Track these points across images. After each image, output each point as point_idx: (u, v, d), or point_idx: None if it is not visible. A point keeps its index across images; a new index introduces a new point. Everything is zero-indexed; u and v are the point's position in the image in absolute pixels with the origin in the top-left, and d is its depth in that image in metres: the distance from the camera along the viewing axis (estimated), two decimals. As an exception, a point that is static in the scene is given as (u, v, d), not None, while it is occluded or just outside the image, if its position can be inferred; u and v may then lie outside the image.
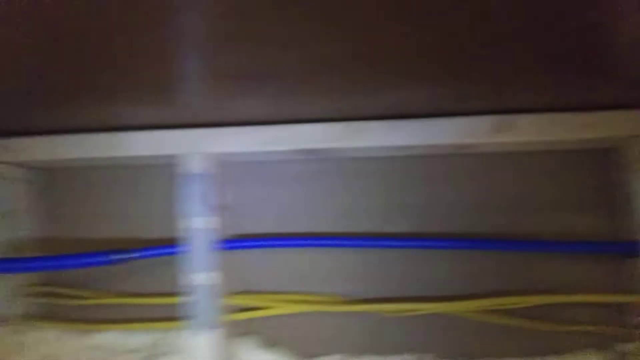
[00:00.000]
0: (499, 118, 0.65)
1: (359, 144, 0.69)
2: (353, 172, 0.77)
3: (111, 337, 0.82)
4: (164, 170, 0.79)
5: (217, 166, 0.76)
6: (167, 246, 0.76)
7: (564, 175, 0.71)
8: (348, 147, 0.70)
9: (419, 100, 0.63)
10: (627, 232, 0.66)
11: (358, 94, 0.60)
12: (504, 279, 0.70)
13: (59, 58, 0.49)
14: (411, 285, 0.73)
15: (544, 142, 0.66)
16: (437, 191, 0.74)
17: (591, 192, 0.70)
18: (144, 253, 0.77)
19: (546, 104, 0.63)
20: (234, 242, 0.77)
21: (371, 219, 0.75)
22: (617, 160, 0.68)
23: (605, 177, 0.70)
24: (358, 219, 0.76)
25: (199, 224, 0.72)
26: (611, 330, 0.67)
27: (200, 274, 0.72)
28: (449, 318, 0.71)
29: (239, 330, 0.78)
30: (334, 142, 0.70)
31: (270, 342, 0.77)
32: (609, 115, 0.64)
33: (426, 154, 0.73)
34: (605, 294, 0.68)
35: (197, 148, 0.73)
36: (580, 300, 0.67)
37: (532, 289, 0.69)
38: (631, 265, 0.66)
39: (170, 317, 0.78)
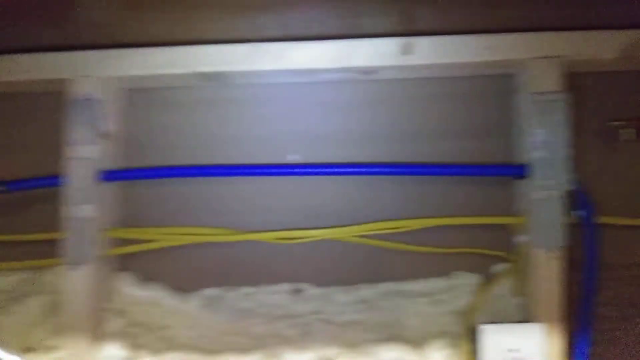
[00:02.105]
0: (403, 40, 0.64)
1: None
2: (260, 98, 0.72)
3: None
4: (50, 97, 0.71)
5: (107, 91, 0.70)
6: (46, 178, 0.69)
7: (465, 101, 0.71)
8: (262, 70, 0.66)
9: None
10: (520, 155, 0.67)
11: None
12: (398, 204, 0.70)
13: None
14: (302, 213, 0.71)
15: (445, 66, 0.66)
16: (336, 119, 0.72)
17: (490, 118, 0.70)
18: (21, 184, 0.70)
19: (448, 26, 0.64)
20: (120, 173, 0.70)
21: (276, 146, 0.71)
22: (514, 85, 0.69)
23: (505, 103, 0.70)
24: (264, 146, 0.71)
25: (83, 153, 0.66)
26: (493, 252, 0.70)
27: (80, 206, 0.66)
28: (330, 245, 0.70)
29: (120, 265, 0.72)
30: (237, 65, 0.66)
31: (152, 277, 0.71)
32: (508, 37, 0.65)
33: (333, 80, 0.70)
34: (495, 216, 0.69)
35: (86, 71, 0.67)
36: (469, 223, 0.69)
37: (425, 213, 0.69)
38: (520, 187, 0.68)
39: (44, 254, 0.71)
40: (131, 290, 0.70)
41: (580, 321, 0.68)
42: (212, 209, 0.71)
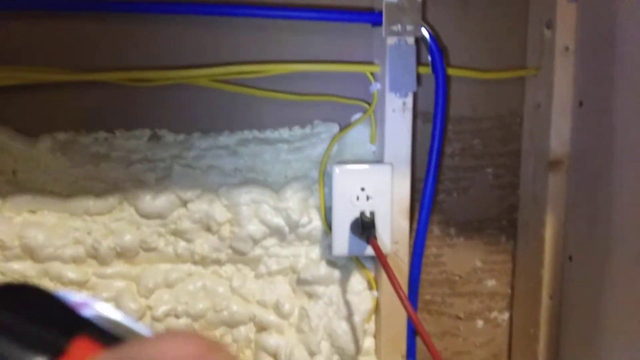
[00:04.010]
0: None
1: None
2: None
3: None
4: None
5: None
6: None
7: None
8: None
9: None
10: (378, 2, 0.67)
11: None
12: (257, 49, 0.70)
13: None
14: (154, 57, 0.68)
15: None
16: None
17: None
18: None
19: None
20: None
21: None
22: None
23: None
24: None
25: None
26: (352, 101, 0.72)
27: None
28: (189, 90, 0.68)
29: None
30: None
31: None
32: None
33: None
34: (353, 63, 0.71)
35: None
36: (329, 70, 0.70)
37: (281, 59, 0.69)
38: (377, 34, 0.70)
39: None
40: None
41: (428, 169, 0.72)
42: (61, 48, 0.67)
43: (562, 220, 0.72)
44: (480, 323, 0.80)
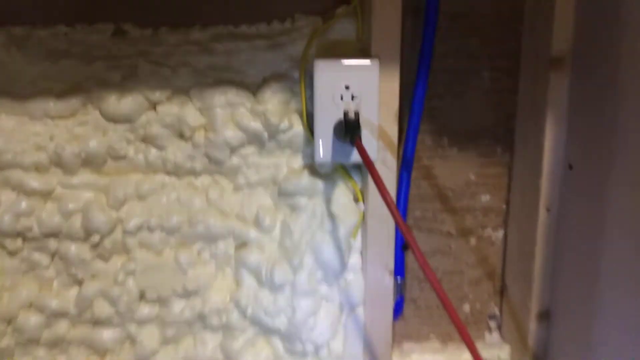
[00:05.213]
0: None
1: None
2: None
3: None
4: None
5: None
6: None
7: None
8: None
9: None
10: None
11: None
12: None
13: None
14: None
15: None
16: None
17: None
18: None
19: None
20: None
21: None
22: None
23: None
24: None
25: None
26: None
27: None
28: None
29: None
30: None
31: None
32: None
33: None
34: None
35: None
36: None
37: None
38: None
39: None
40: None
41: (419, 70, 0.67)
42: None
43: (563, 126, 0.66)
44: (473, 241, 0.76)
